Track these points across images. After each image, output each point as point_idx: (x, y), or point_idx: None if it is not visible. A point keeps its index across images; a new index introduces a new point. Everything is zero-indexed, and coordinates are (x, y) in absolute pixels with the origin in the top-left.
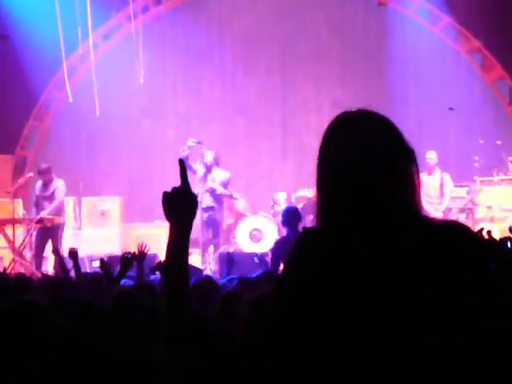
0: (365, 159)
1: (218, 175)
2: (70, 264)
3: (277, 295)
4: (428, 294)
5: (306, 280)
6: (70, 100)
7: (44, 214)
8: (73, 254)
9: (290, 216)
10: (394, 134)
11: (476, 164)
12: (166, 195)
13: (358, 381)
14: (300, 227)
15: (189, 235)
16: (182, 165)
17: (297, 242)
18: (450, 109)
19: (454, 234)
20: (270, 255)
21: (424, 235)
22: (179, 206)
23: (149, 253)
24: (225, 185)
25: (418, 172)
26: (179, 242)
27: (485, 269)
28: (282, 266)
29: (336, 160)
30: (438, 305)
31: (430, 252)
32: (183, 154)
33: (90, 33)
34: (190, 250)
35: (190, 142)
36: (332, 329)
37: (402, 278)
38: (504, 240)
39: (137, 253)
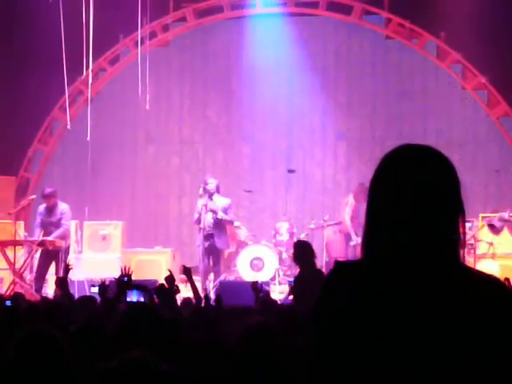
0: (425, 200)
1: (219, 201)
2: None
3: (313, 334)
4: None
5: (344, 318)
6: (69, 127)
7: (49, 239)
8: (61, 282)
9: (301, 251)
10: (456, 180)
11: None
12: None
13: None
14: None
15: None
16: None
17: (330, 277)
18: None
19: (499, 289)
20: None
21: (470, 284)
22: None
23: (149, 278)
24: (225, 210)
25: (464, 224)
26: None
27: None
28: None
29: (397, 194)
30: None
31: (476, 302)
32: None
33: (91, 58)
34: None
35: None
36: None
37: (444, 323)
38: None
39: (122, 276)
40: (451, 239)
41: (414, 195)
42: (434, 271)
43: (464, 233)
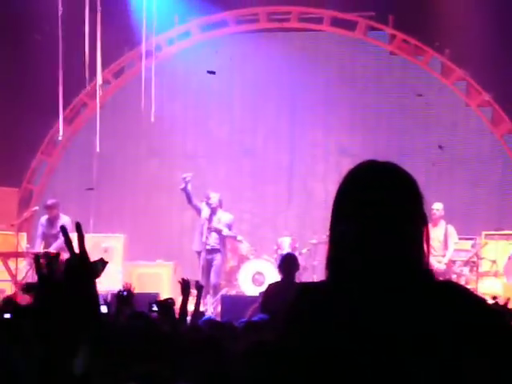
0: (384, 214)
1: (223, 217)
2: None
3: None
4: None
5: (307, 344)
6: (60, 138)
7: (52, 251)
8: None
9: (287, 263)
10: (417, 194)
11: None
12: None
13: None
14: (295, 276)
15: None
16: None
17: (295, 301)
18: (440, 147)
19: (458, 298)
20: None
21: (429, 297)
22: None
23: (151, 292)
24: (229, 226)
25: (428, 235)
26: None
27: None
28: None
29: (355, 210)
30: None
31: (435, 315)
32: (182, 186)
33: (99, 69)
34: (191, 291)
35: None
36: None
37: (406, 341)
38: None
39: (125, 292)
40: (411, 256)
41: (365, 214)
42: (391, 292)
43: (428, 246)
